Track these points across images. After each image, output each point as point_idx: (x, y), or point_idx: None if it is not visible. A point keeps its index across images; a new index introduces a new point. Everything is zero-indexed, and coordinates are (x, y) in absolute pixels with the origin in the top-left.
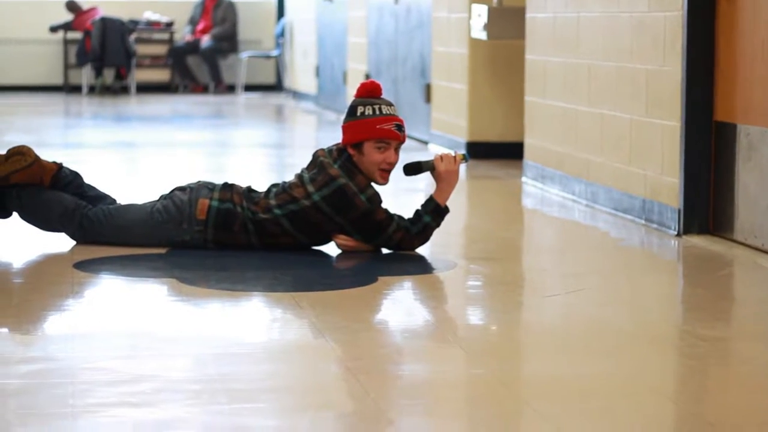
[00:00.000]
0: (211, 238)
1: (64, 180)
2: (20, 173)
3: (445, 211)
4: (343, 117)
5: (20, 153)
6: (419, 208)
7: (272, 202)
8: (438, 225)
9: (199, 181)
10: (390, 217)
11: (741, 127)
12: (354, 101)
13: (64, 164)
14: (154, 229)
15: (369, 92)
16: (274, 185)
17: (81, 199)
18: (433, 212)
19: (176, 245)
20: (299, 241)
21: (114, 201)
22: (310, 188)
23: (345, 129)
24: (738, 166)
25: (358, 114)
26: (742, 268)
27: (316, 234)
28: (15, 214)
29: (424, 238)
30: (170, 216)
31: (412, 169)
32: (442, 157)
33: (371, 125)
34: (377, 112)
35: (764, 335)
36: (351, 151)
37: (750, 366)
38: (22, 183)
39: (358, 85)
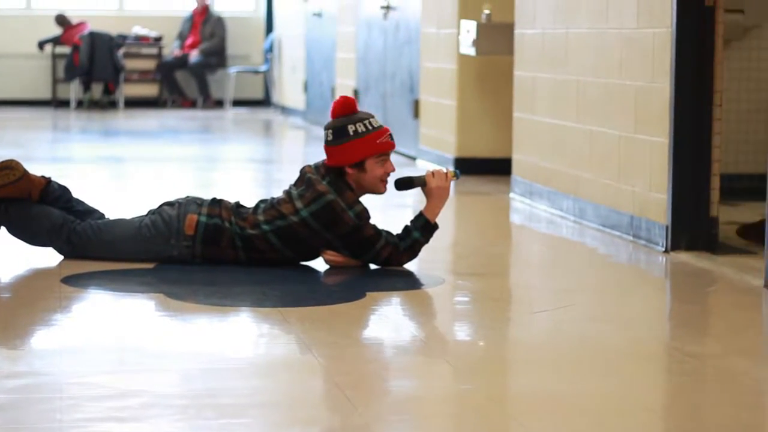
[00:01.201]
0: (199, 253)
1: (53, 195)
2: (8, 188)
3: (435, 227)
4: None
5: (9, 167)
6: (408, 223)
7: (260, 218)
8: (427, 241)
9: (187, 196)
10: (378, 233)
11: None
12: (338, 121)
13: (52, 179)
14: (142, 244)
15: (348, 108)
16: (262, 201)
17: (69, 214)
18: (423, 228)
19: (164, 260)
20: (287, 256)
21: (102, 215)
22: (299, 204)
23: (339, 151)
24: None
25: (351, 133)
26: (729, 284)
27: (304, 250)
28: (2, 229)
29: (412, 254)
30: (158, 231)
31: (403, 184)
32: (433, 173)
33: (371, 142)
34: (370, 128)
35: (752, 351)
36: (350, 170)
37: (738, 382)
38: (10, 198)
39: (331, 105)
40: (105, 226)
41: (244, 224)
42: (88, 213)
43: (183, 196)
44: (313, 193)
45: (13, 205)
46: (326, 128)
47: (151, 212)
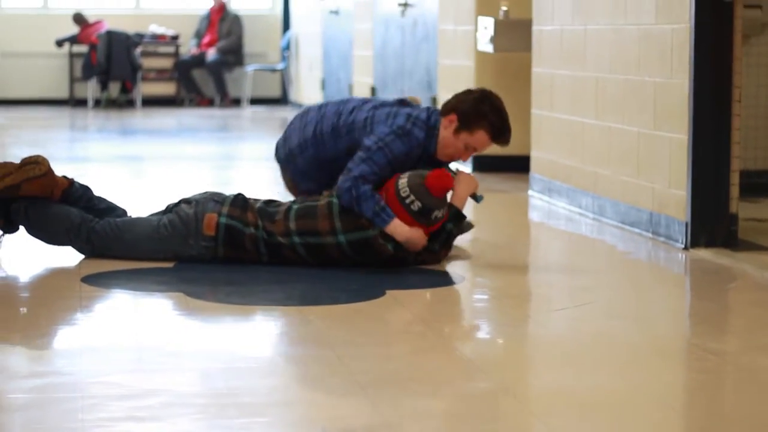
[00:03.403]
0: (221, 254)
1: (75, 195)
2: (32, 182)
3: (463, 216)
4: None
5: (35, 162)
6: None
7: (292, 225)
8: (459, 231)
9: (206, 192)
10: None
11: None
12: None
13: (75, 180)
14: (160, 243)
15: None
16: (295, 201)
17: (91, 213)
18: (454, 218)
19: (184, 259)
20: (311, 264)
21: (124, 212)
22: (337, 224)
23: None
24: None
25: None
26: (749, 281)
27: (332, 263)
28: (21, 229)
29: (449, 248)
30: (176, 231)
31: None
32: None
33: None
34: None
35: None
36: None
37: (759, 379)
38: (31, 196)
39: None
40: (124, 224)
41: (273, 228)
42: (110, 210)
43: (202, 191)
44: (356, 222)
45: (33, 205)
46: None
47: (169, 210)
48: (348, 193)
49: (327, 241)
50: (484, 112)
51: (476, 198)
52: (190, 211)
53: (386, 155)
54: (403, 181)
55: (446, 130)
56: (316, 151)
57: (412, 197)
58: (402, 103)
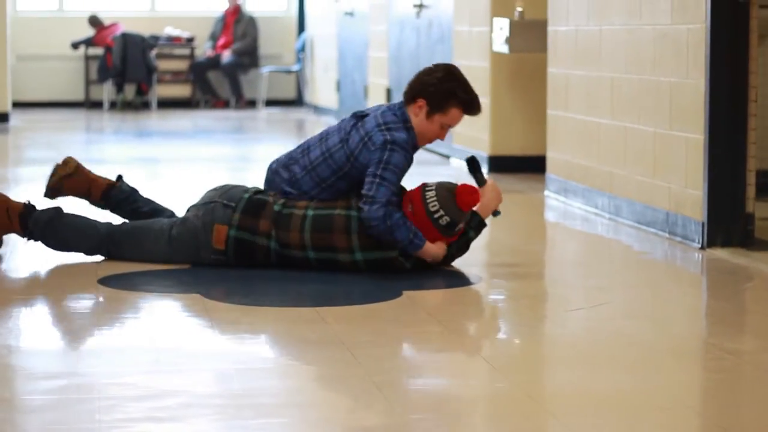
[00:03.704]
0: (233, 264)
1: (118, 197)
2: (64, 181)
3: (485, 225)
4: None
5: (64, 164)
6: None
7: (307, 238)
8: (478, 236)
9: (224, 186)
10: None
11: None
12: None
13: (124, 180)
14: (174, 255)
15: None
16: (309, 207)
17: (135, 215)
18: (478, 227)
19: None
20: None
21: (173, 213)
22: (354, 242)
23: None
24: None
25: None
26: (766, 281)
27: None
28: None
29: (465, 251)
30: (186, 244)
31: (474, 164)
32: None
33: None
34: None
35: None
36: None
37: None
38: (68, 195)
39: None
40: (139, 234)
41: (288, 239)
42: (157, 212)
43: (219, 186)
44: (376, 243)
45: (58, 219)
46: (449, 217)
47: (178, 221)
48: (382, 223)
49: (343, 258)
50: (451, 90)
51: (495, 213)
52: (198, 223)
53: (395, 172)
54: (431, 194)
55: (418, 117)
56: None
57: (442, 212)
58: (359, 116)
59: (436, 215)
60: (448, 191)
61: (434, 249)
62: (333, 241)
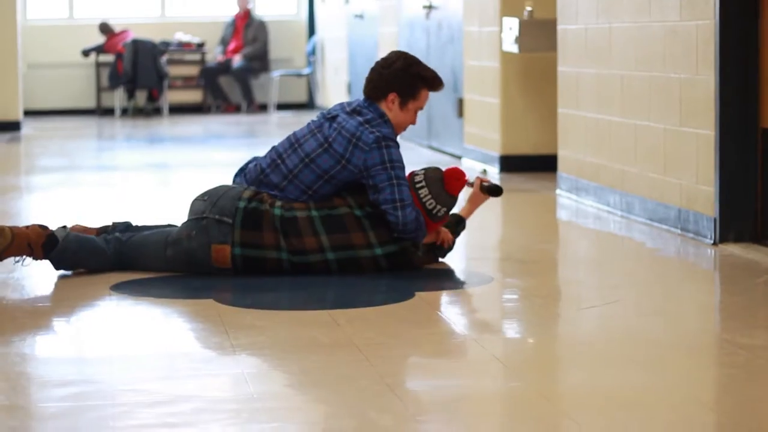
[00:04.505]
0: (241, 273)
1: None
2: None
3: (464, 226)
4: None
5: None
6: (450, 225)
7: (324, 240)
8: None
9: (218, 189)
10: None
11: None
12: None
13: (108, 220)
14: (177, 270)
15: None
16: (309, 208)
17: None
18: (456, 225)
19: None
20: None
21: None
22: (372, 238)
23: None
24: None
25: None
26: None
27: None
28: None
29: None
30: (183, 263)
31: (493, 191)
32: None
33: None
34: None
35: None
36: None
37: None
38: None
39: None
40: (137, 252)
41: (302, 245)
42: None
43: (201, 196)
44: (389, 235)
45: (68, 255)
46: (443, 205)
47: (171, 238)
48: (416, 222)
49: (363, 254)
50: (416, 74)
51: (496, 191)
52: (193, 244)
53: (401, 168)
54: (421, 184)
55: (392, 110)
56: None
57: (434, 202)
58: (328, 118)
59: (431, 209)
60: (436, 180)
61: (434, 235)
62: (351, 239)
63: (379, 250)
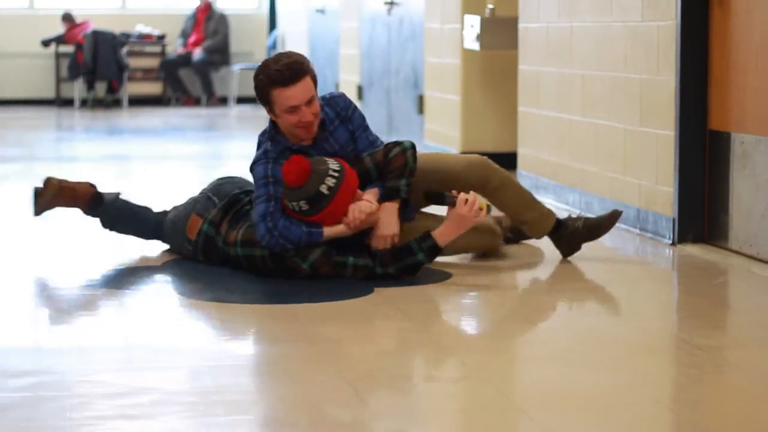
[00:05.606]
0: (201, 260)
1: (112, 214)
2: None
3: (440, 252)
4: None
5: (46, 185)
6: (413, 242)
7: (238, 235)
8: (430, 262)
9: (223, 179)
10: (342, 263)
11: (735, 136)
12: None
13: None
14: (167, 239)
15: (306, 171)
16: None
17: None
18: (430, 250)
19: (178, 257)
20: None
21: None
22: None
23: (326, 215)
24: (732, 174)
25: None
26: (737, 276)
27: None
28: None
29: (412, 273)
30: (172, 227)
31: (433, 197)
32: (466, 200)
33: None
34: (338, 174)
35: (760, 343)
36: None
37: (747, 374)
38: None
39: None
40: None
41: (227, 237)
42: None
43: (219, 178)
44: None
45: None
46: (298, 201)
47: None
48: (271, 237)
49: (257, 253)
50: (259, 83)
51: (489, 209)
52: (180, 210)
53: (262, 184)
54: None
55: (276, 119)
56: None
57: (287, 201)
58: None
59: (292, 209)
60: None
61: (339, 228)
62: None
63: (239, 249)
